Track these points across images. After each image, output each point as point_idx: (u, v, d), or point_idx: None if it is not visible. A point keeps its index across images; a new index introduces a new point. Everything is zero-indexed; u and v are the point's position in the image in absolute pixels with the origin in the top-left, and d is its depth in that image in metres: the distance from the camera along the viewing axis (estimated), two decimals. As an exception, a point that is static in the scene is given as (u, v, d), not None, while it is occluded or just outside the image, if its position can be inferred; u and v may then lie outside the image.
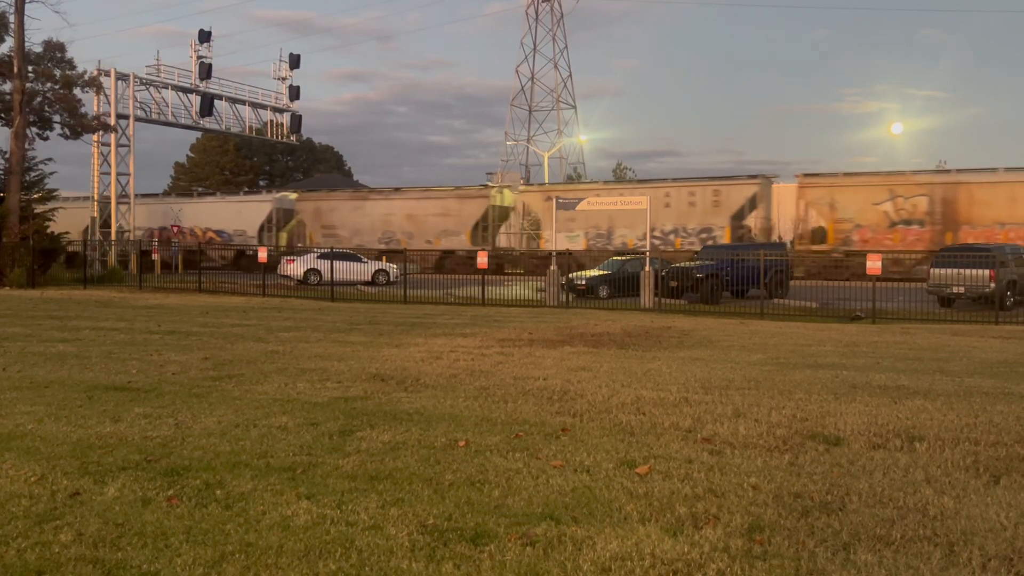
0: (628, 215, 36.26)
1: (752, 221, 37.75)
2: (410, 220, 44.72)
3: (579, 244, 40.00)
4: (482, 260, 25.50)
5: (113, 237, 39.84)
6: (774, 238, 37.24)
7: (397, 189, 46.98)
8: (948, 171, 35.74)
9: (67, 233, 35.82)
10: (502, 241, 44.30)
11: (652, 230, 29.62)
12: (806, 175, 37.06)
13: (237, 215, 48.19)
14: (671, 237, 38.84)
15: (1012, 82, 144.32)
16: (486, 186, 45.95)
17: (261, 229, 47.47)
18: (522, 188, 45.61)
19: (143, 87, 41.18)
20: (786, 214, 38.12)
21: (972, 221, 33.26)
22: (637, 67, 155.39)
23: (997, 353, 12.57)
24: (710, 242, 35.20)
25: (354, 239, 44.72)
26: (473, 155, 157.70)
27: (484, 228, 43.38)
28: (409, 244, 42.62)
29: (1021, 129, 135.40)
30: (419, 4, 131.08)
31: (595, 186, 43.47)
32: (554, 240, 29.52)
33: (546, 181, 59.40)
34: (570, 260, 26.98)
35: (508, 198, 44.84)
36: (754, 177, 38.36)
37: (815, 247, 35.19)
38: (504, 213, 44.72)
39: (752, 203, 37.64)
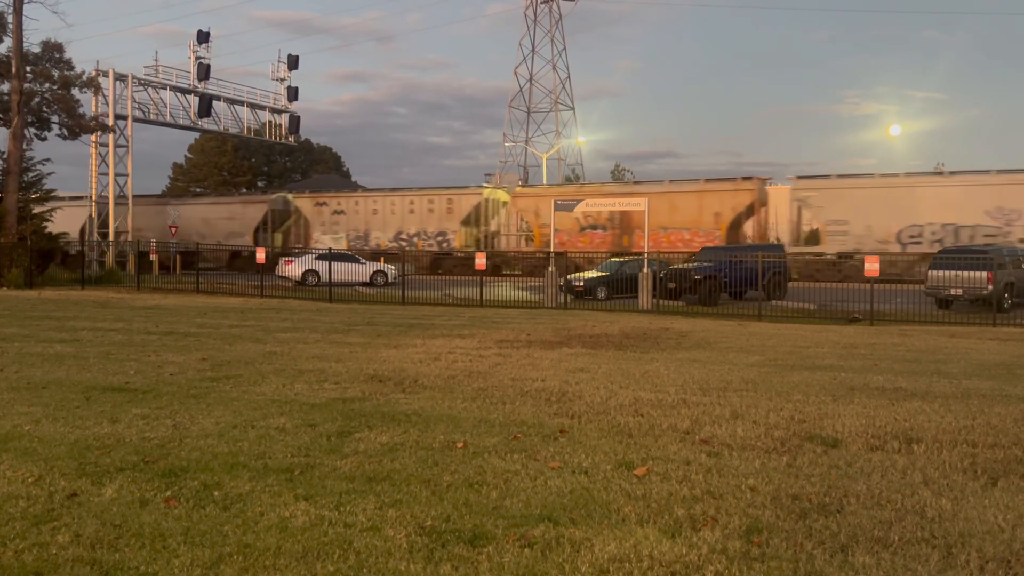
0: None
1: None
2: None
3: (342, 245, 43.75)
4: (480, 262, 25.52)
5: (111, 238, 39.81)
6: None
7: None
8: (627, 183, 41.63)
9: (65, 234, 35.78)
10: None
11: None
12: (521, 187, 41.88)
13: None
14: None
15: (1012, 83, 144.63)
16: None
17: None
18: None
19: (141, 88, 41.19)
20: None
21: (641, 226, 35.30)
22: (637, 68, 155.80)
23: (995, 355, 12.59)
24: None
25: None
26: (472, 156, 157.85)
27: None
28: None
29: (1020, 130, 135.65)
30: (420, 4, 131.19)
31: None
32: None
33: (544, 182, 59.47)
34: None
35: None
36: None
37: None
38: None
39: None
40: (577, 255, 31.72)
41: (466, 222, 43.25)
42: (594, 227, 40.16)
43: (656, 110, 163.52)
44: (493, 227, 44.42)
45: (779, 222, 39.01)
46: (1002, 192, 32.72)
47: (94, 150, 40.11)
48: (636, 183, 43.23)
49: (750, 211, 37.97)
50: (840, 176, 36.76)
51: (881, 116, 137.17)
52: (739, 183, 38.15)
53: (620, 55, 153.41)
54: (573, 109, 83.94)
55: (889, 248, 33.35)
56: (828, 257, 34.11)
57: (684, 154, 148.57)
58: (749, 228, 38.66)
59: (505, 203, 44.35)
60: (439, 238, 43.45)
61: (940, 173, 36.25)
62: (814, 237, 37.13)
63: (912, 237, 34.09)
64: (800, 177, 37.31)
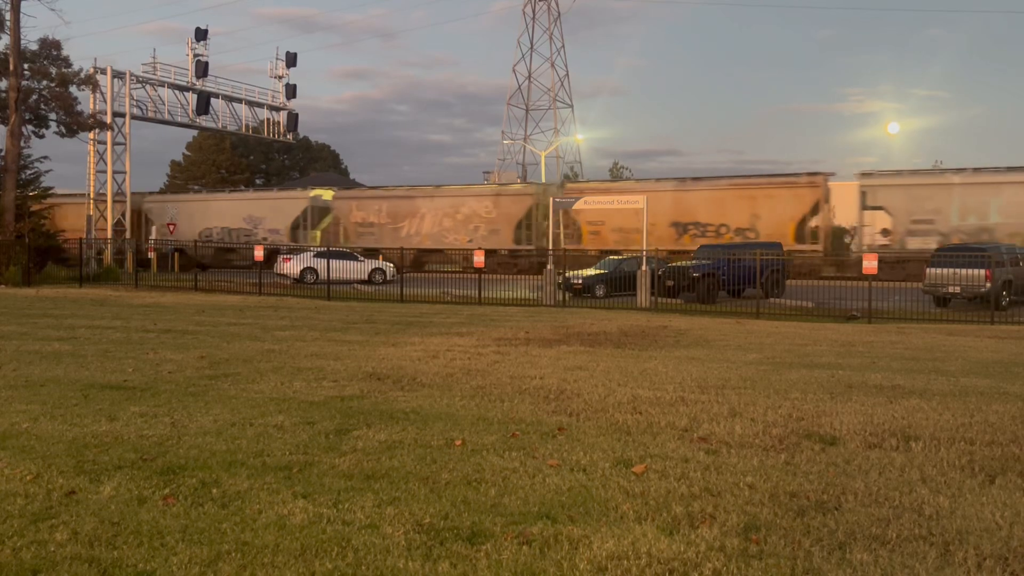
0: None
1: None
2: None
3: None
4: (478, 259, 25.49)
5: (109, 235, 39.78)
6: None
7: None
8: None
9: (63, 231, 35.75)
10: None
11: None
12: None
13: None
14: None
15: (1016, 81, 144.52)
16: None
17: (295, 227, 45.94)
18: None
19: (139, 85, 41.15)
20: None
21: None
22: (639, 66, 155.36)
23: (992, 353, 12.60)
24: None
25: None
26: (473, 154, 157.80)
27: (528, 226, 41.36)
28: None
29: (1022, 129, 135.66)
30: (424, 1, 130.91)
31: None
32: (551, 239, 29.49)
33: (543, 180, 59.45)
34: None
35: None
36: None
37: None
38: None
39: None
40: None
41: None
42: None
43: (657, 108, 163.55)
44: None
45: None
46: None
47: (92, 148, 40.07)
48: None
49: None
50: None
51: (884, 114, 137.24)
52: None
53: (623, 53, 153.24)
54: (572, 107, 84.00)
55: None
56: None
57: (685, 152, 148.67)
58: (814, 226, 35.48)
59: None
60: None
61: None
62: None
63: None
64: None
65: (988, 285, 20.60)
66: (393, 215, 44.34)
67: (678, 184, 38.85)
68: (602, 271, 27.01)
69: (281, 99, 47.66)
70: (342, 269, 29.16)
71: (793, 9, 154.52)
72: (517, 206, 41.64)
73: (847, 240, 36.84)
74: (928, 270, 22.62)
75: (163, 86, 42.20)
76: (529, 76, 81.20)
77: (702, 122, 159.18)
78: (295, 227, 46.09)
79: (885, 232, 34.75)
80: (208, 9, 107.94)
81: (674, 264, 25.83)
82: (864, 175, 35.13)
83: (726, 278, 24.77)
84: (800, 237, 34.97)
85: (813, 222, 35.54)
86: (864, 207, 34.54)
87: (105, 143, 39.93)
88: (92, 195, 40.63)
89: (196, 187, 73.45)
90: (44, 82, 33.00)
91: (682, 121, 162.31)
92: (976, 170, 33.56)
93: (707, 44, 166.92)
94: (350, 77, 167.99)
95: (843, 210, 36.15)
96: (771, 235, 34.03)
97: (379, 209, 44.88)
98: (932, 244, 31.43)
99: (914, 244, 33.05)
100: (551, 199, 28.65)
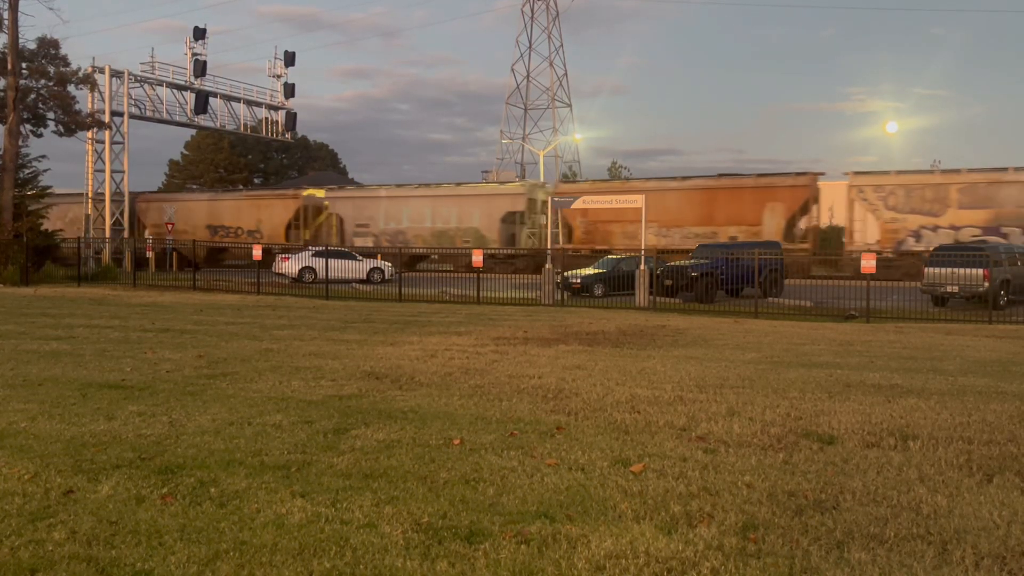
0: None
1: None
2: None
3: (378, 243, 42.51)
4: (477, 259, 25.51)
5: (107, 234, 39.75)
6: None
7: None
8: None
9: (61, 230, 35.72)
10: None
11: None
12: None
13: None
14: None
15: (1016, 81, 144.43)
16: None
17: (288, 227, 46.13)
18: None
19: (137, 84, 41.12)
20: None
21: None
22: (641, 64, 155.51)
23: (990, 352, 12.61)
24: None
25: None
26: (474, 153, 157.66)
27: (520, 223, 41.47)
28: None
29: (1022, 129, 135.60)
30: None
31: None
32: (548, 238, 29.51)
33: (541, 179, 59.42)
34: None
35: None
36: None
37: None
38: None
39: None
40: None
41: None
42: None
43: (658, 106, 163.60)
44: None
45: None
46: None
47: (90, 147, 40.03)
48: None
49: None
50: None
51: (886, 113, 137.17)
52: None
53: (625, 51, 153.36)
54: (570, 106, 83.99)
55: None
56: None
57: (685, 151, 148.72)
58: (804, 225, 36.02)
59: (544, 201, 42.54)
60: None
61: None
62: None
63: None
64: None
65: (986, 284, 20.63)
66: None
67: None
68: (601, 270, 27.01)
69: (280, 98, 47.64)
70: (340, 268, 29.16)
71: (797, 8, 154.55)
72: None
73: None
74: (926, 269, 22.64)
75: (161, 85, 42.16)
76: (528, 75, 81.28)
77: (703, 121, 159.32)
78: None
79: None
80: (210, 7, 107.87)
81: (672, 264, 25.84)
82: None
83: (724, 277, 24.79)
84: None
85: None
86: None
87: (103, 142, 39.89)
88: (90, 194, 40.60)
89: (194, 186, 73.40)
90: (42, 81, 32.97)
91: (683, 120, 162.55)
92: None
93: (709, 43, 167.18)
94: (351, 76, 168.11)
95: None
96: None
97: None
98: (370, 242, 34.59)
99: (359, 242, 35.76)
100: (549, 198, 28.62)
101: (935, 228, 33.24)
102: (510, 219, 41.60)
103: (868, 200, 34.51)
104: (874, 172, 35.50)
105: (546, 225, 37.49)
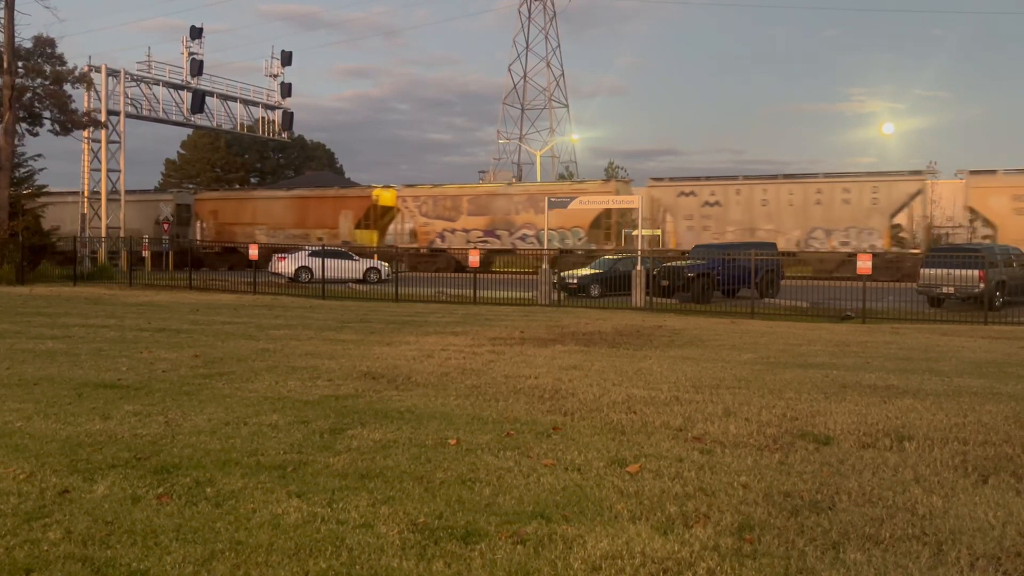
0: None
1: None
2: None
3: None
4: (474, 259, 25.51)
5: (104, 234, 39.67)
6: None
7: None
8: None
9: (57, 229, 35.64)
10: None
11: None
12: None
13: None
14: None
15: (1016, 81, 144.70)
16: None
17: (356, 226, 45.82)
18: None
19: (134, 83, 41.02)
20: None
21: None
22: (640, 64, 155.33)
23: (986, 353, 12.64)
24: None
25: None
26: (472, 153, 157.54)
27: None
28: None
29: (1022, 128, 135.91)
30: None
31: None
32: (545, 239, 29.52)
33: (538, 179, 59.40)
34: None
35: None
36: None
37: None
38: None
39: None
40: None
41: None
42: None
43: (657, 107, 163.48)
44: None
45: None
46: None
47: (86, 146, 39.95)
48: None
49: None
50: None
51: (886, 114, 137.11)
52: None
53: (624, 51, 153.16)
54: (567, 106, 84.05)
55: None
56: None
57: (684, 151, 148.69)
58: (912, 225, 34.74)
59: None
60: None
61: None
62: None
63: None
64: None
65: (982, 286, 20.66)
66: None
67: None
68: (597, 271, 27.02)
69: (276, 98, 47.56)
70: (337, 268, 29.13)
71: (797, 9, 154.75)
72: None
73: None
74: (922, 270, 22.68)
75: (158, 84, 42.07)
76: (524, 75, 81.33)
77: (702, 121, 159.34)
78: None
79: None
80: (211, 6, 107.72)
81: (669, 264, 25.86)
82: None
83: (721, 278, 24.80)
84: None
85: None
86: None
87: (99, 141, 39.81)
88: (87, 193, 40.52)
89: (191, 186, 73.29)
90: (38, 80, 32.87)
91: (682, 120, 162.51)
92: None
93: (708, 43, 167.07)
94: (351, 75, 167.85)
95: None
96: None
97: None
98: None
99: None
100: (548, 198, 28.63)
101: (453, 231, 42.39)
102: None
103: (409, 208, 43.46)
104: (415, 184, 44.13)
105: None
